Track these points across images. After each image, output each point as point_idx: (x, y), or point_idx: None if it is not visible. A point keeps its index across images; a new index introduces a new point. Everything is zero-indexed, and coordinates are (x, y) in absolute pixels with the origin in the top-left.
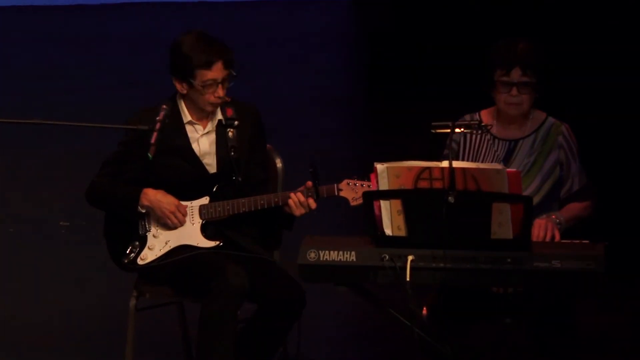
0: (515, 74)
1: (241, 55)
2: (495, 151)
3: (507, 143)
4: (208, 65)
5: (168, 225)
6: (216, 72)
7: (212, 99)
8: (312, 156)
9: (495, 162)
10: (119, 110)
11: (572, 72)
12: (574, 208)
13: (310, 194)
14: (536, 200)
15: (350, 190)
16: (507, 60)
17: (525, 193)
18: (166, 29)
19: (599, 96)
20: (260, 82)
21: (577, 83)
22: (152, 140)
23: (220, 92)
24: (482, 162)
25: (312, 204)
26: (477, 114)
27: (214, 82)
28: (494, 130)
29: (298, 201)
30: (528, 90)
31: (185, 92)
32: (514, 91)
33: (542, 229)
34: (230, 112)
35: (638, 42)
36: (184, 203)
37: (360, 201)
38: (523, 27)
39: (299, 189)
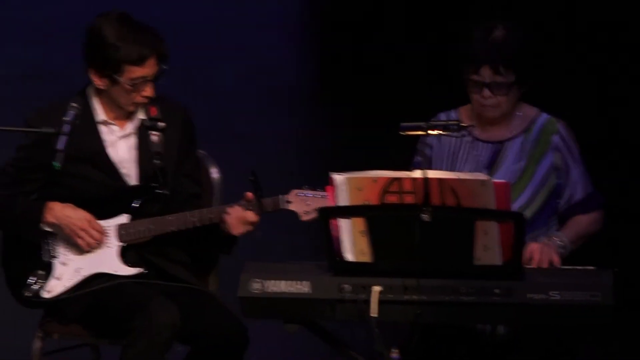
0: (485, 73)
1: (168, 41)
2: (477, 156)
3: (491, 146)
4: (140, 62)
5: (79, 249)
6: (148, 68)
7: (139, 99)
8: (254, 165)
9: (477, 169)
10: (19, 108)
11: (573, 55)
12: (580, 223)
13: (250, 207)
14: (528, 214)
15: (301, 203)
16: (475, 56)
17: (515, 206)
18: (78, 12)
19: (606, 86)
20: (191, 75)
21: (578, 68)
22: (59, 147)
23: (149, 91)
24: (461, 170)
25: (251, 216)
26: (453, 112)
27: (144, 80)
28: (474, 131)
29: (236, 216)
30: (504, 91)
31: (104, 88)
32: (486, 92)
33: (537, 252)
34: (154, 111)
35: None
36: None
37: (313, 215)
38: (511, 5)
39: (238, 202)
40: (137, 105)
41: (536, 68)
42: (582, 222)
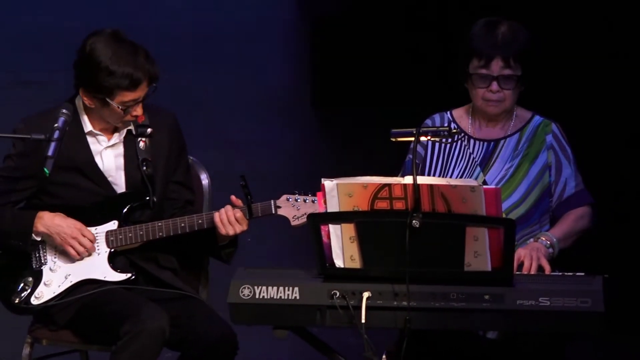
0: (496, 66)
1: (157, 48)
2: (471, 154)
3: (485, 144)
4: (133, 87)
5: (69, 255)
6: (140, 92)
7: (128, 117)
8: (244, 171)
9: (471, 167)
10: (7, 116)
11: (566, 61)
12: (568, 220)
13: (240, 209)
14: (521, 211)
15: (291, 208)
16: (485, 49)
17: (508, 203)
18: (67, 19)
19: (598, 90)
20: (180, 81)
21: (572, 74)
22: (50, 153)
23: (139, 110)
24: (455, 167)
25: (239, 214)
26: (448, 113)
27: (135, 102)
28: (469, 130)
29: (226, 217)
30: (511, 85)
31: (93, 107)
32: (495, 86)
33: (525, 258)
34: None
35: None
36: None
37: (303, 220)
38: (505, 6)
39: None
40: (125, 123)
41: (540, 63)
42: (570, 218)
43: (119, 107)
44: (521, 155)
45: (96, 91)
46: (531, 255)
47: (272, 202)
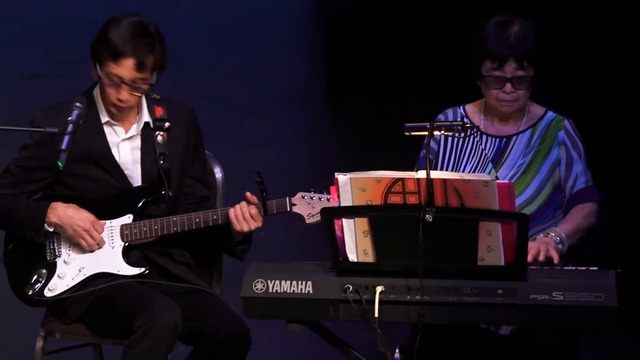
0: (509, 68)
1: (171, 40)
2: (483, 150)
3: (498, 140)
4: (114, 57)
5: (83, 248)
6: (123, 69)
7: (112, 97)
8: (258, 166)
9: (483, 163)
10: (18, 109)
11: (580, 58)
12: (576, 216)
13: (255, 206)
14: (533, 208)
15: (306, 205)
16: (498, 51)
17: (520, 200)
18: (75, 14)
19: (611, 88)
20: (195, 75)
21: (585, 71)
22: (64, 146)
23: (125, 94)
24: (467, 163)
25: (254, 210)
26: (460, 108)
27: (119, 81)
28: (481, 126)
29: (240, 213)
30: (525, 86)
31: (96, 78)
32: (508, 87)
33: (534, 249)
34: (160, 111)
35: None
36: (101, 222)
37: (317, 218)
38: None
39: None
40: (114, 106)
41: (552, 60)
42: (579, 215)
43: (105, 79)
44: (533, 151)
45: (92, 57)
46: (539, 247)
47: (287, 199)
